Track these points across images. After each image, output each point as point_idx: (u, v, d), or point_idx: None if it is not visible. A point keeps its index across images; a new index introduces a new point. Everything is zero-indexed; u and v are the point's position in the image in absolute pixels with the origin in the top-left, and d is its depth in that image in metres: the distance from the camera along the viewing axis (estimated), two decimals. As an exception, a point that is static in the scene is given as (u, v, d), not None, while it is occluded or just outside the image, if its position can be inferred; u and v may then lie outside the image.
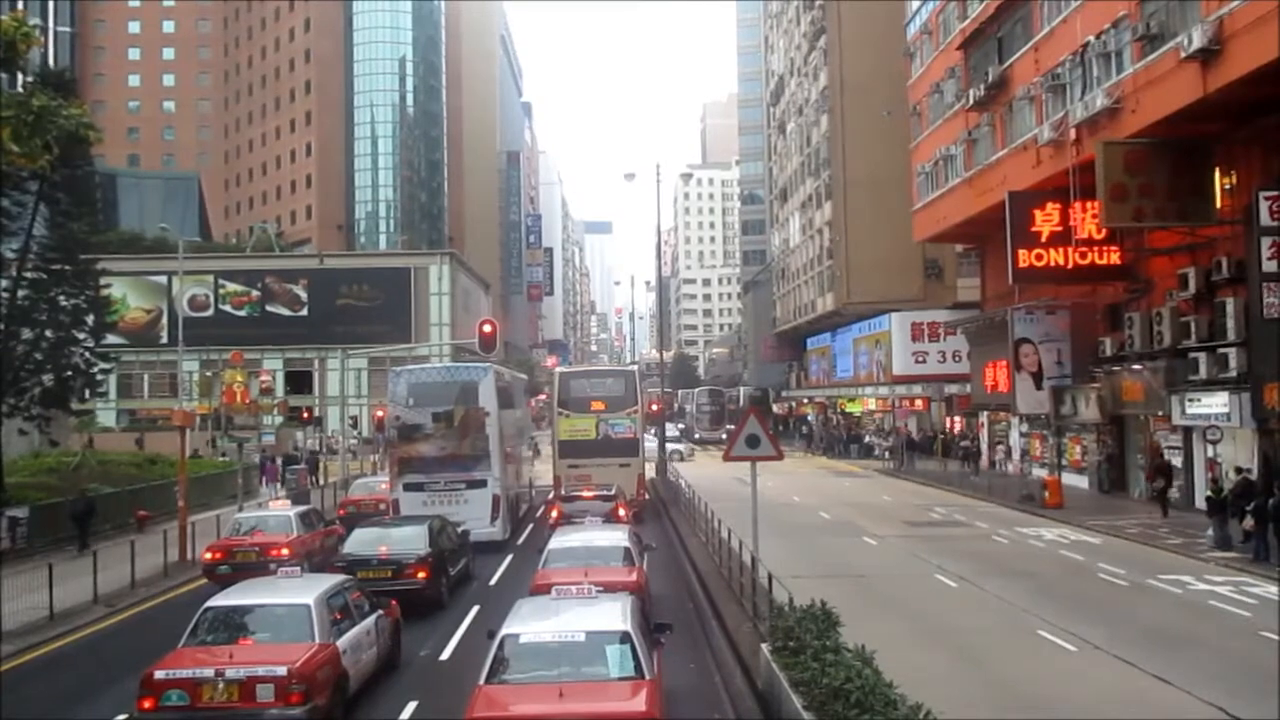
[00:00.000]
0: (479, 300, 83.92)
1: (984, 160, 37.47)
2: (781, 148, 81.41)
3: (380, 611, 13.26)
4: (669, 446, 46.83)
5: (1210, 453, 26.78)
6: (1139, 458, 31.81)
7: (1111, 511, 28.52)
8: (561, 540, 16.65)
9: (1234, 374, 24.88)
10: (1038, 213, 31.71)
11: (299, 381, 70.22)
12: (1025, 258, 31.73)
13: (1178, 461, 28.85)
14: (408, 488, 25.00)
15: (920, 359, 52.20)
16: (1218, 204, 26.14)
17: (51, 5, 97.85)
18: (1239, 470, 23.29)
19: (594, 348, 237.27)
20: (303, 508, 23.25)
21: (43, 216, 29.40)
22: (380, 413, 43.27)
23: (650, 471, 36.88)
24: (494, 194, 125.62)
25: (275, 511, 22.08)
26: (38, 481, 29.86)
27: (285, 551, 19.24)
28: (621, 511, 23.60)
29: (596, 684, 9.25)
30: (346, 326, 66.79)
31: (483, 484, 25.09)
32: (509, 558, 23.48)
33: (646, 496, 32.23)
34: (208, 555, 20.18)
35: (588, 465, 30.18)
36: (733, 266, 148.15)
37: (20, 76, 26.60)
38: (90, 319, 32.05)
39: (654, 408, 48.75)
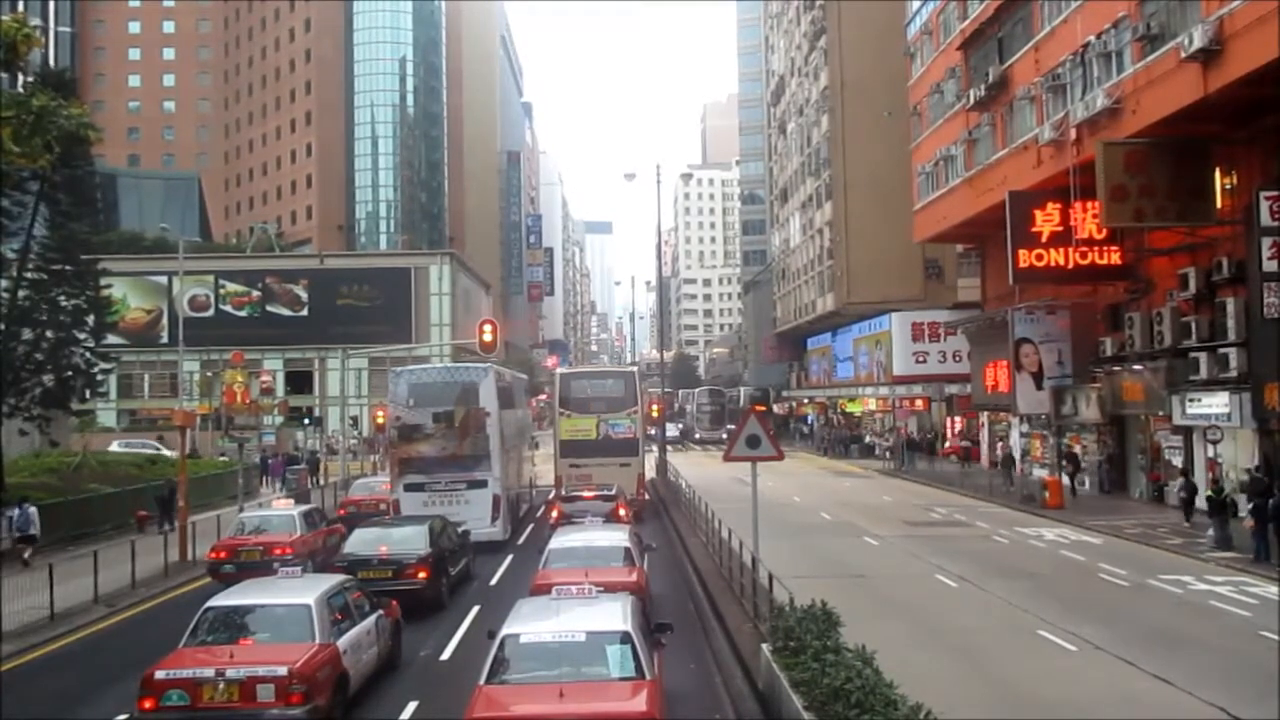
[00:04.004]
0: (479, 300, 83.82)
1: (984, 160, 37.46)
2: (782, 148, 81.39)
3: (380, 611, 13.26)
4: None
5: (1211, 453, 26.79)
6: (1140, 458, 31.82)
7: (1112, 512, 28.52)
8: (562, 540, 16.66)
9: (1234, 374, 24.88)
10: (1038, 213, 31.71)
11: (299, 382, 70.18)
12: (1026, 258, 31.74)
13: (1178, 461, 28.87)
14: (408, 488, 25.00)
15: (921, 359, 52.19)
16: (1218, 204, 26.13)
17: (52, 5, 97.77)
18: (1253, 470, 23.29)
19: (594, 348, 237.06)
20: (305, 507, 23.36)
21: (43, 216, 29.40)
22: (381, 413, 43.25)
23: (651, 471, 36.89)
24: (494, 194, 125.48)
25: (279, 511, 22.18)
26: (38, 481, 29.82)
27: (289, 551, 19.29)
28: (622, 511, 23.63)
29: (597, 684, 9.24)
30: (347, 327, 66.69)
31: (483, 484, 25.10)
32: (509, 558, 23.48)
33: (647, 496, 32.25)
34: (212, 554, 20.25)
35: (588, 465, 30.26)
36: (733, 266, 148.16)
37: (21, 77, 26.61)
38: (90, 319, 32.04)
39: (654, 408, 48.79)
